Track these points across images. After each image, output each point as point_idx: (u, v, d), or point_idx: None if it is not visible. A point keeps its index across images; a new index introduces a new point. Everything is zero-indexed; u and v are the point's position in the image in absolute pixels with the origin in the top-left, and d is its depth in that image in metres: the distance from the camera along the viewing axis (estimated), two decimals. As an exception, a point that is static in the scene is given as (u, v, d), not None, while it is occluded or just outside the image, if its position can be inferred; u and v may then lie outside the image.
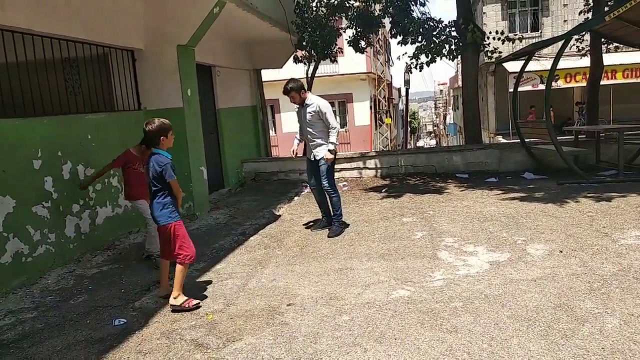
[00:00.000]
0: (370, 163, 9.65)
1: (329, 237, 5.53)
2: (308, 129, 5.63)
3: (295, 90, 5.54)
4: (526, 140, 9.09)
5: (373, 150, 19.46)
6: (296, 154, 6.10)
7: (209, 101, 8.76)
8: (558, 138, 7.92)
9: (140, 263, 5.05)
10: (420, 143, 48.66)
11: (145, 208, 4.86)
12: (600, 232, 4.94)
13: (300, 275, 4.37)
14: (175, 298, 3.80)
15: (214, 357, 3.02)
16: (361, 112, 22.68)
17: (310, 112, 5.56)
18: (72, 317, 3.81)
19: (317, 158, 5.66)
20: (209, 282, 4.39)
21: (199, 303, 3.84)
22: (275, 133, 21.40)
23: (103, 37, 5.94)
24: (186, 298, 3.82)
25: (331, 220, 5.82)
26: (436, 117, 58.46)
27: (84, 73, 5.85)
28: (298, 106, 5.68)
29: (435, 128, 57.26)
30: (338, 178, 9.52)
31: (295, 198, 8.21)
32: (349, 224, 5.97)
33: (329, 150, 5.57)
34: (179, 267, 3.85)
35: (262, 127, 11.26)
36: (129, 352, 3.18)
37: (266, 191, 8.90)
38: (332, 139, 5.56)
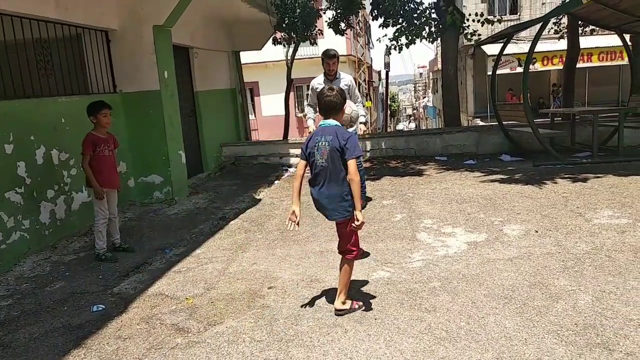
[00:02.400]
0: (351, 146, 9.62)
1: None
2: None
3: (338, 58, 5.52)
4: (504, 122, 9.20)
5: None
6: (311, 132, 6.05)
7: (187, 84, 8.61)
8: (534, 120, 8.02)
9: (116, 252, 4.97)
10: (400, 126, 48.87)
11: (116, 198, 4.78)
12: (575, 212, 5.06)
13: (281, 259, 4.37)
14: (343, 303, 3.21)
15: (194, 341, 3.02)
16: (341, 95, 22.59)
17: (344, 86, 5.42)
18: (48, 304, 3.76)
19: None
20: (189, 267, 4.36)
21: (363, 305, 3.30)
22: (255, 117, 21.22)
23: (76, 17, 5.76)
24: (351, 301, 3.27)
25: None
26: (415, 100, 58.68)
27: (57, 54, 5.67)
28: (319, 84, 5.45)
29: (414, 111, 57.49)
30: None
31: (276, 182, 8.18)
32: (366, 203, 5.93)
33: (362, 123, 5.63)
34: (347, 267, 3.23)
35: (242, 111, 11.15)
36: (108, 338, 3.16)
37: (246, 175, 8.85)
38: (362, 111, 5.63)
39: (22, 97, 5.05)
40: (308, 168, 3.23)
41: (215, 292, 3.75)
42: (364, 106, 5.82)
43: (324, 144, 3.05)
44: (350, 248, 3.19)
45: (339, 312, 3.19)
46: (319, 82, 5.58)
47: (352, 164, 3.00)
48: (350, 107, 5.71)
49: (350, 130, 5.19)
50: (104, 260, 4.64)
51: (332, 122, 3.14)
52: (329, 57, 5.46)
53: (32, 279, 4.32)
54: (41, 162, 5.13)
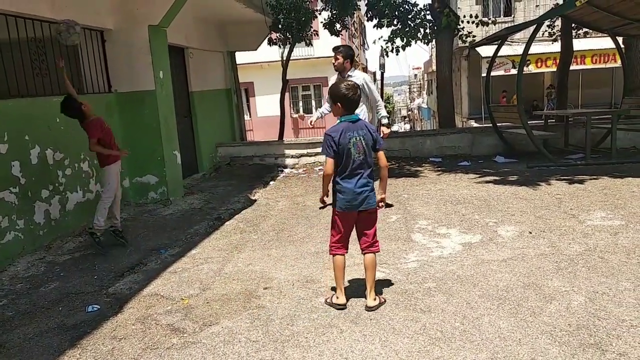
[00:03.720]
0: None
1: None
2: None
3: (342, 53, 5.31)
4: (498, 124, 9.25)
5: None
6: (314, 125, 5.97)
7: (182, 84, 8.60)
8: (528, 122, 8.08)
9: (113, 248, 4.96)
10: (394, 127, 48.97)
11: (114, 172, 4.93)
12: (568, 213, 5.10)
13: (276, 259, 4.38)
14: (374, 299, 3.24)
15: (190, 342, 3.02)
16: (336, 96, 22.61)
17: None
18: (43, 305, 3.75)
19: None
20: (185, 267, 4.36)
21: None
22: (250, 117, 21.19)
23: (71, 17, 5.71)
24: (379, 296, 3.31)
25: None
26: (410, 102, 58.82)
27: (51, 54, 5.65)
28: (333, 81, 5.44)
29: (409, 112, 57.64)
30: (313, 162, 9.54)
31: (271, 182, 8.19)
32: (392, 204, 5.77)
33: (384, 125, 5.46)
34: (375, 260, 3.30)
35: (237, 111, 11.14)
36: (103, 338, 3.15)
37: (241, 176, 8.84)
38: (383, 111, 5.48)
39: (16, 97, 5.03)
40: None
41: (211, 293, 3.75)
42: (385, 108, 5.67)
43: (358, 139, 3.15)
44: (376, 239, 3.32)
45: (372, 309, 3.21)
46: (333, 79, 5.48)
47: (382, 153, 3.28)
48: (319, 112, 5.71)
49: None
50: (95, 241, 4.79)
51: (356, 116, 3.24)
52: (333, 51, 5.44)
53: (26, 279, 4.30)
54: (36, 161, 5.11)
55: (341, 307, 3.27)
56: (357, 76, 5.35)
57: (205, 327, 3.20)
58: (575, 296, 3.23)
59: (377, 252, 3.33)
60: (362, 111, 5.25)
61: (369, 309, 3.21)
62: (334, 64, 5.43)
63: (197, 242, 5.06)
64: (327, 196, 3.33)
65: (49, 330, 3.32)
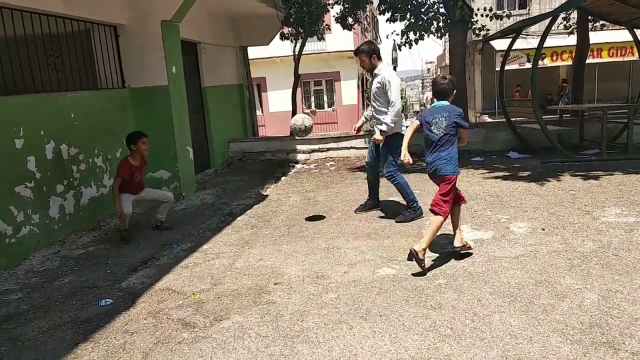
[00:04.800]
0: (358, 143, 9.64)
1: (396, 221, 5.07)
2: (372, 102, 5.12)
3: (365, 52, 4.99)
4: (512, 119, 9.15)
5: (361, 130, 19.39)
6: (358, 130, 5.71)
7: (195, 79, 8.64)
8: (543, 117, 7.97)
9: (128, 242, 5.02)
10: (406, 122, 48.68)
11: (150, 191, 5.39)
12: (582, 210, 5.03)
13: (287, 255, 4.39)
14: (423, 250, 3.65)
15: (201, 336, 3.05)
16: (349, 91, 22.57)
17: (376, 83, 5.00)
18: (57, 298, 3.81)
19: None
20: (196, 262, 4.39)
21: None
22: (262, 112, 21.25)
23: (85, 12, 5.79)
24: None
25: (376, 203, 5.55)
26: (423, 96, 58.43)
27: (66, 49, 5.71)
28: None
29: (422, 107, 57.27)
30: (325, 158, 9.54)
31: (283, 178, 8.20)
32: (422, 214, 5.13)
33: (380, 131, 5.02)
34: (438, 220, 3.78)
35: (249, 106, 11.16)
36: (116, 332, 3.20)
37: (253, 171, 8.88)
38: (388, 118, 4.92)
39: (32, 92, 5.09)
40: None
41: (222, 288, 3.78)
42: (397, 111, 4.95)
43: (440, 119, 3.89)
44: (442, 204, 3.83)
45: (414, 255, 3.63)
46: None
47: (465, 132, 4.02)
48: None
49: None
50: (120, 235, 5.09)
51: (444, 103, 3.98)
52: (355, 54, 5.21)
53: (41, 273, 4.38)
54: (51, 156, 5.18)
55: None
56: (382, 74, 4.98)
57: (216, 321, 3.23)
58: (588, 294, 3.20)
59: (438, 213, 3.84)
60: (383, 115, 4.99)
61: (413, 251, 3.64)
62: (362, 66, 5.18)
63: (209, 237, 5.09)
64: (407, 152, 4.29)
65: (63, 324, 3.37)
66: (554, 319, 2.91)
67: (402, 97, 4.96)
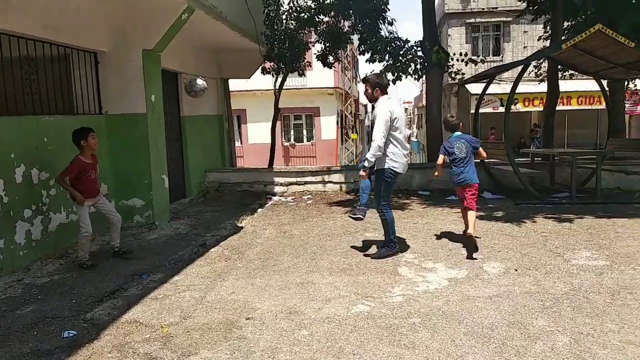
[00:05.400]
0: (336, 177, 9.70)
1: (371, 257, 5.07)
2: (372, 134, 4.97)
3: (370, 83, 4.97)
4: (486, 160, 9.35)
5: (338, 165, 19.56)
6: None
7: (174, 108, 8.62)
8: (515, 160, 8.18)
9: (92, 272, 4.86)
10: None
11: (106, 202, 5.33)
12: (553, 252, 5.12)
13: (260, 289, 4.31)
14: (476, 236, 5.26)
15: (167, 372, 2.93)
16: (328, 127, 22.83)
17: (372, 116, 5.01)
18: (18, 328, 3.63)
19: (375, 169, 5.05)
20: (166, 294, 4.27)
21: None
22: (241, 144, 21.24)
23: (64, 38, 5.77)
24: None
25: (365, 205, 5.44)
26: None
27: (43, 73, 5.65)
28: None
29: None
30: (302, 191, 9.53)
31: (259, 210, 8.14)
32: (398, 251, 5.18)
33: (362, 166, 5.03)
34: (473, 214, 5.31)
35: (228, 137, 11.16)
36: (77, 366, 3.05)
37: (229, 202, 8.79)
38: (368, 154, 4.86)
39: (5, 115, 4.99)
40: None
41: (192, 321, 3.66)
42: (376, 147, 4.83)
43: (460, 145, 5.35)
44: (473, 203, 5.38)
45: (473, 239, 5.14)
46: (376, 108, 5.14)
47: (481, 150, 5.46)
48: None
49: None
50: (85, 268, 4.96)
51: (458, 133, 5.44)
52: (363, 82, 5.14)
53: (2, 301, 4.17)
54: (20, 180, 5.03)
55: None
56: (378, 107, 4.91)
57: (184, 357, 3.12)
58: (560, 336, 3.21)
59: (474, 209, 5.39)
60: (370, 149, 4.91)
61: (469, 235, 5.17)
62: (365, 96, 5.15)
63: (181, 269, 4.97)
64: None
65: (22, 356, 3.20)
66: (527, 361, 2.91)
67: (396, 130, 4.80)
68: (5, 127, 4.90)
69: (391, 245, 5.14)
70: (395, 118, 4.87)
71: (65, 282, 4.64)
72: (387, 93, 5.07)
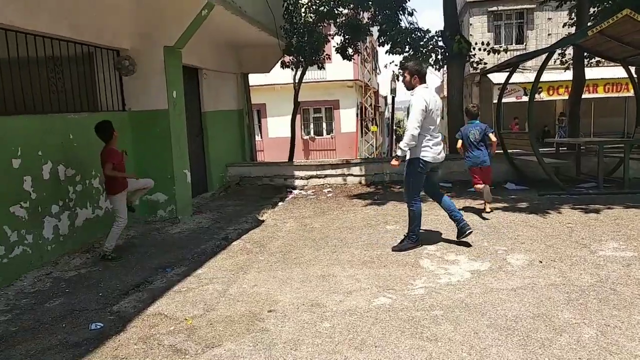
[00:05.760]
0: (356, 170, 9.67)
1: (392, 249, 5.05)
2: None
3: (408, 69, 4.88)
4: (509, 151, 9.20)
5: (358, 157, 19.54)
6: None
7: (195, 104, 8.71)
8: (540, 149, 8.03)
9: (119, 266, 4.97)
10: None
11: (135, 183, 5.51)
12: (579, 243, 5.01)
13: (282, 281, 4.34)
14: (491, 210, 6.45)
15: (192, 363, 2.98)
16: (347, 119, 22.76)
17: (408, 105, 4.93)
18: (47, 321, 3.74)
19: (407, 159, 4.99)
20: (190, 287, 4.33)
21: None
22: (261, 138, 21.35)
23: (88, 36, 5.88)
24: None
25: (462, 225, 5.10)
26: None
27: (68, 72, 5.76)
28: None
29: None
30: (322, 184, 9.54)
31: (280, 203, 8.18)
32: (420, 243, 5.14)
33: (395, 155, 4.95)
34: (488, 188, 6.47)
35: (248, 132, 11.23)
36: (105, 357, 3.13)
37: (250, 196, 8.86)
38: (402, 142, 4.82)
39: (32, 113, 5.11)
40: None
41: (215, 314, 3.72)
42: (410, 136, 4.79)
43: (474, 131, 6.49)
44: (489, 180, 6.59)
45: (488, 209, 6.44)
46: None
47: (492, 135, 6.50)
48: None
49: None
50: (109, 260, 5.14)
51: (475, 121, 6.60)
52: (400, 68, 5.15)
53: (32, 295, 4.30)
54: (47, 177, 5.16)
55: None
56: (413, 97, 4.81)
57: (208, 349, 3.17)
58: (586, 329, 3.15)
59: (488, 185, 6.55)
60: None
61: (485, 210, 6.45)
62: (403, 83, 5.06)
63: (204, 262, 5.04)
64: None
65: (51, 347, 3.30)
66: (552, 353, 2.87)
67: (400, 127, 4.83)
68: (32, 125, 5.02)
69: (413, 237, 5.10)
70: (430, 109, 4.77)
71: (91, 275, 4.75)
72: (425, 82, 4.97)
